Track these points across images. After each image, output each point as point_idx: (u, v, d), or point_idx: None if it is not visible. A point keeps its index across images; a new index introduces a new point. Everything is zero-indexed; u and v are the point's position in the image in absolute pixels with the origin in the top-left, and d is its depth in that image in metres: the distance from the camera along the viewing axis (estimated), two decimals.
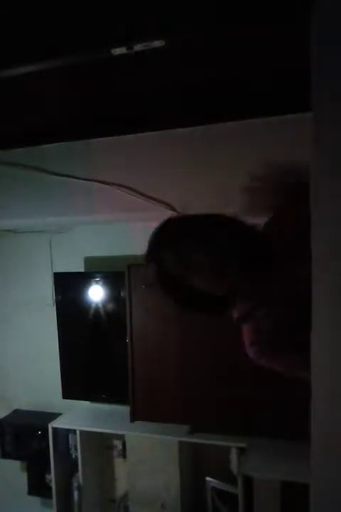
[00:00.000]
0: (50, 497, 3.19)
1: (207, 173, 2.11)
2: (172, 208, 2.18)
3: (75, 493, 3.17)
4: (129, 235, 3.09)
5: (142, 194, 2.19)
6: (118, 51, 1.47)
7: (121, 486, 3.32)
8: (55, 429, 3.11)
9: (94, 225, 3.12)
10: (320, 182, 0.73)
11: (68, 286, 3.18)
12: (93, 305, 3.09)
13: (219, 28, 1.45)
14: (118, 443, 3.24)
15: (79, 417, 3.22)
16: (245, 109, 2.00)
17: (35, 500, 3.45)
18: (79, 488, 3.14)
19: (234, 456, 2.69)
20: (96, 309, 3.08)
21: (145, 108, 2.06)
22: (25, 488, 3.41)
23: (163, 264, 1.19)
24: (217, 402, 2.55)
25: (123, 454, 3.15)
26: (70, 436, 3.16)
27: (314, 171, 0.76)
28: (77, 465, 3.12)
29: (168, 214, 2.21)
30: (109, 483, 3.39)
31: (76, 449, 3.12)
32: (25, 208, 2.46)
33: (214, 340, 2.47)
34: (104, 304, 3.07)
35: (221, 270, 1.11)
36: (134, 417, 2.76)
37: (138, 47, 1.46)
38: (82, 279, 3.16)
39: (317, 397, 0.73)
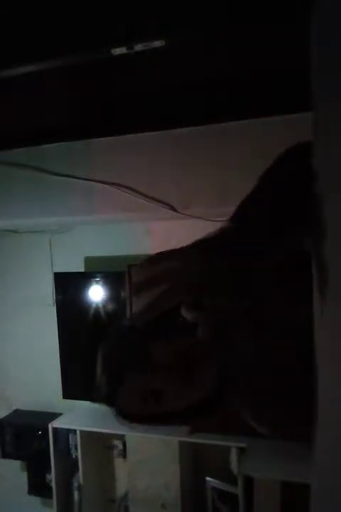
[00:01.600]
0: (51, 497, 3.18)
1: (207, 173, 2.11)
2: (173, 208, 2.18)
3: (75, 493, 3.17)
4: (129, 235, 3.09)
5: (142, 194, 2.20)
6: (119, 51, 1.47)
7: (121, 486, 3.32)
8: (55, 429, 3.10)
9: (94, 225, 3.12)
10: (322, 181, 0.73)
11: (68, 286, 3.18)
12: (93, 305, 3.09)
13: (219, 28, 1.45)
14: (118, 443, 3.24)
15: (79, 417, 3.22)
16: (245, 109, 2.00)
17: (36, 500, 3.45)
18: (79, 488, 3.14)
19: (234, 456, 2.69)
20: (97, 309, 3.08)
21: (145, 108, 2.06)
22: (26, 488, 3.40)
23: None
24: None
25: (124, 454, 3.15)
26: (70, 436, 3.16)
27: (316, 171, 0.76)
28: (77, 465, 3.12)
29: (168, 214, 2.22)
30: (109, 483, 3.38)
31: (76, 449, 3.12)
32: (25, 208, 2.46)
33: None
34: (104, 303, 3.07)
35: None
36: None
37: (138, 47, 1.46)
38: (82, 279, 3.16)
39: (319, 396, 0.73)
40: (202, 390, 0.89)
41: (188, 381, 0.87)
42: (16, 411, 3.48)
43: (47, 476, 3.24)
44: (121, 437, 3.15)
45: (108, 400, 0.94)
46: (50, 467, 3.12)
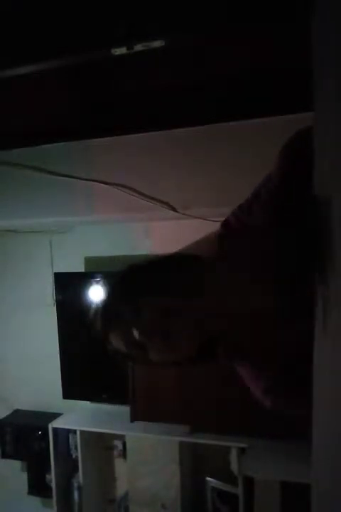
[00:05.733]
0: (51, 497, 3.18)
1: (207, 173, 2.11)
2: (173, 208, 2.18)
3: (75, 493, 3.17)
4: (129, 235, 3.09)
5: (142, 194, 2.20)
6: (119, 51, 1.47)
7: (121, 486, 3.31)
8: (55, 429, 3.10)
9: (95, 225, 3.12)
10: (322, 182, 0.73)
11: (68, 286, 3.18)
12: (93, 305, 3.08)
13: (219, 29, 1.45)
14: (118, 443, 3.24)
15: (79, 417, 3.21)
16: (245, 109, 2.00)
17: (36, 501, 3.45)
18: (79, 488, 3.14)
19: (234, 456, 2.68)
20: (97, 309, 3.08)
21: (145, 108, 2.06)
22: (26, 488, 3.40)
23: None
24: (217, 402, 2.55)
25: (124, 454, 3.15)
26: (70, 436, 3.16)
27: (317, 171, 0.76)
28: (77, 465, 3.12)
29: (168, 214, 2.22)
30: (109, 484, 3.38)
31: (76, 449, 3.12)
32: (25, 208, 2.46)
33: None
34: None
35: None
36: (134, 417, 2.75)
37: (138, 47, 1.46)
38: (82, 279, 3.15)
39: (319, 396, 0.73)
40: (186, 350, 0.90)
41: (170, 342, 0.87)
42: (16, 411, 3.48)
43: (47, 476, 3.24)
44: (121, 437, 3.15)
45: (103, 338, 0.96)
46: (50, 467, 3.12)
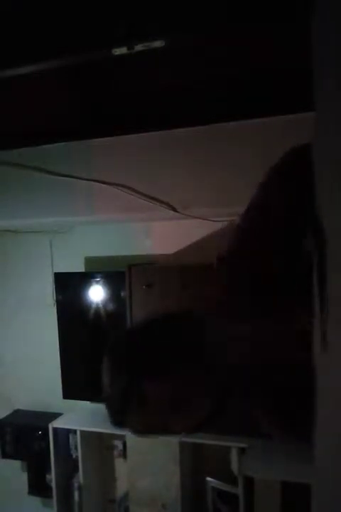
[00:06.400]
0: (51, 497, 3.18)
1: (207, 173, 2.11)
2: (173, 208, 2.18)
3: (76, 493, 3.16)
4: (129, 235, 3.09)
5: (142, 194, 2.20)
6: (119, 51, 1.47)
7: (121, 486, 3.31)
8: (55, 429, 3.10)
9: (94, 225, 3.12)
10: (322, 182, 0.73)
11: (69, 286, 3.18)
12: (93, 305, 3.09)
13: (219, 29, 1.45)
14: (118, 443, 3.24)
15: (79, 417, 3.21)
16: (245, 109, 2.00)
17: (36, 500, 3.45)
18: (79, 488, 3.14)
19: (234, 456, 2.68)
20: (97, 309, 3.08)
21: (146, 108, 2.06)
22: (26, 488, 3.40)
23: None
24: None
25: (124, 454, 3.15)
26: (71, 436, 3.16)
27: (317, 171, 0.76)
28: (77, 465, 3.12)
29: (168, 214, 2.22)
30: (109, 484, 3.38)
31: (76, 449, 3.12)
32: (25, 208, 2.46)
33: None
34: (105, 303, 3.07)
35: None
36: None
37: (138, 47, 1.46)
38: (82, 279, 3.15)
39: (320, 396, 0.73)
40: (199, 416, 0.91)
41: (184, 414, 0.89)
42: (16, 411, 3.48)
43: (47, 476, 3.24)
44: (122, 437, 3.15)
45: (117, 418, 0.94)
46: (50, 467, 3.12)
